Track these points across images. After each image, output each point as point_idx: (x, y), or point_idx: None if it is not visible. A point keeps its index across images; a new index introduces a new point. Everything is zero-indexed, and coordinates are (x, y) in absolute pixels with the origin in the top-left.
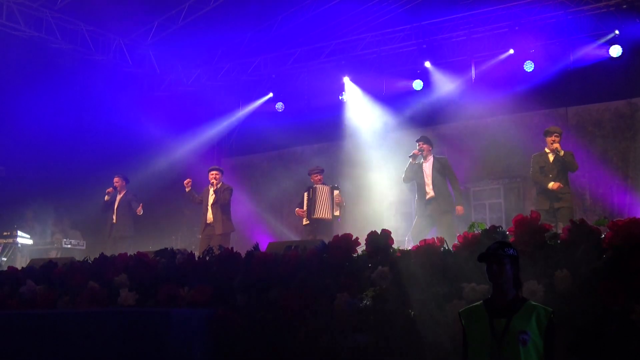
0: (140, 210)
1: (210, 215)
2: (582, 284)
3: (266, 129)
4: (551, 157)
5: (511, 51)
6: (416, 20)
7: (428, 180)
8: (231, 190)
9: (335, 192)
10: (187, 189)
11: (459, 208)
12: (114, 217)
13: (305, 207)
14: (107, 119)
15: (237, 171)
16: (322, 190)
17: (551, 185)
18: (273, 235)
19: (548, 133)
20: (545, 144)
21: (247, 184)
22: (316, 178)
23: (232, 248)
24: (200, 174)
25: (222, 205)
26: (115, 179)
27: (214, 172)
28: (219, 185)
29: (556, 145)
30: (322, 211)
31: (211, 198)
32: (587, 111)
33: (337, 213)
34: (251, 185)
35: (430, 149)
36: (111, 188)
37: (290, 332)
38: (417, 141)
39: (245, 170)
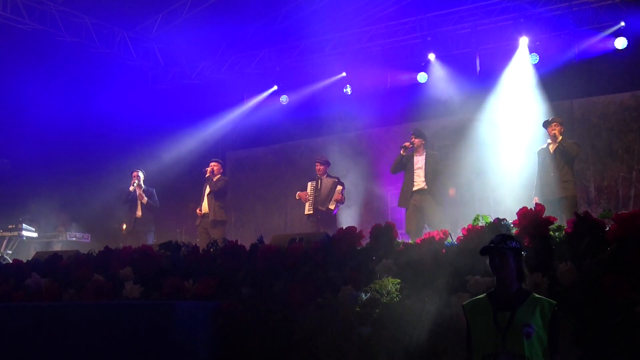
0: (142, 196)
1: (205, 205)
2: (586, 276)
3: (271, 122)
4: (552, 147)
5: (525, 39)
6: (421, 13)
7: (420, 172)
8: (225, 180)
9: (339, 187)
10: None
11: (451, 190)
12: (138, 212)
13: (311, 197)
14: (111, 112)
15: (241, 164)
16: (327, 183)
17: (535, 200)
18: (276, 229)
19: (547, 124)
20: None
21: (250, 178)
22: (317, 167)
23: (236, 241)
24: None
25: (216, 195)
26: (135, 173)
27: (211, 163)
28: (216, 177)
29: (554, 132)
30: (325, 203)
31: (207, 188)
32: (592, 104)
33: (331, 207)
34: (255, 178)
35: (423, 142)
36: (134, 179)
37: (295, 325)
38: (411, 133)
39: (249, 164)
